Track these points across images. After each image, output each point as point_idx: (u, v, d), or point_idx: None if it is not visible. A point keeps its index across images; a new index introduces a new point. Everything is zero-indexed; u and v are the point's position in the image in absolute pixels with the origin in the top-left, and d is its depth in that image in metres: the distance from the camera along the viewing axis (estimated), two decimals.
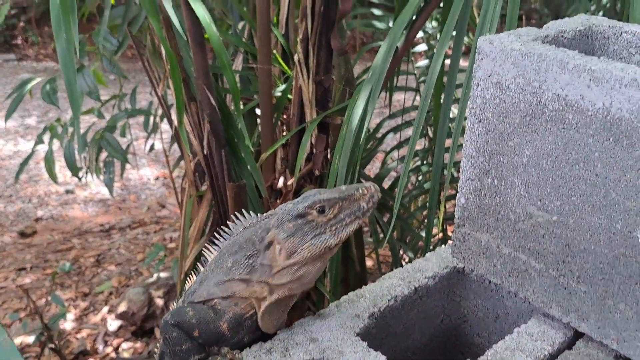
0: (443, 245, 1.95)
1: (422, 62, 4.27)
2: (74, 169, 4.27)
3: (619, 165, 1.34)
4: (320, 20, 3.30)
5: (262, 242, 1.42)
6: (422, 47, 4.25)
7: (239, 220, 1.52)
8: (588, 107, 1.35)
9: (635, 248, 1.36)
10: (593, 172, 1.38)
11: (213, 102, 3.20)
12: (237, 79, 3.78)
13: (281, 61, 3.66)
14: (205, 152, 3.35)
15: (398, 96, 4.46)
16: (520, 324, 1.67)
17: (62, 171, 7.02)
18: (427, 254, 1.90)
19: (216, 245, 1.54)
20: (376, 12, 4.25)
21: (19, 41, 12.21)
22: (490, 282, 1.78)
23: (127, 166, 7.93)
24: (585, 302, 1.49)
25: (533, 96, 1.45)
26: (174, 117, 3.52)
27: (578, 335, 1.59)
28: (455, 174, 4.08)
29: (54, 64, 11.06)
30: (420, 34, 4.18)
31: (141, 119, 4.70)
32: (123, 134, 4.58)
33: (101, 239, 6.40)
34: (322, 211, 1.36)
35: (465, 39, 3.25)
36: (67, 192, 7.27)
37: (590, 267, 1.46)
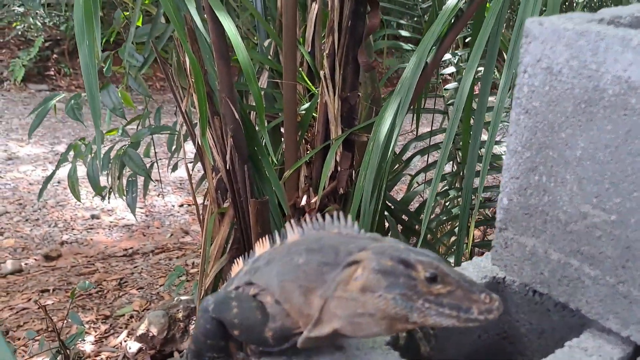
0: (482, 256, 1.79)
1: (452, 85, 4.17)
2: (97, 188, 4.20)
3: None
4: (347, 36, 3.23)
5: (347, 257, 1.20)
6: (451, 69, 4.15)
7: (339, 221, 1.32)
8: None
9: None
10: None
11: (237, 116, 3.12)
12: (262, 96, 3.71)
13: (306, 78, 3.58)
14: (227, 167, 3.26)
15: (426, 120, 4.34)
16: (568, 340, 1.50)
17: (88, 196, 7.05)
18: (463, 263, 1.75)
19: (301, 228, 1.35)
20: (404, 33, 4.18)
21: (51, 72, 12.44)
22: (534, 293, 1.62)
23: (152, 193, 7.89)
24: None
25: (589, 80, 1.32)
26: (198, 134, 3.44)
27: (638, 351, 1.41)
28: (483, 200, 3.92)
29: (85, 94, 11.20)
30: (449, 56, 4.09)
31: (166, 148, 4.67)
32: (147, 154, 4.53)
33: (124, 263, 6.38)
34: (431, 279, 1.11)
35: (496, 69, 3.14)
36: (93, 217, 7.28)
37: None
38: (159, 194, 7.61)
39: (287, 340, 1.28)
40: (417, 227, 3.81)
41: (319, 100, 3.38)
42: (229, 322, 1.25)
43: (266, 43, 3.67)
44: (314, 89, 3.54)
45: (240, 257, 1.48)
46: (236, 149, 3.18)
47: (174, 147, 4.21)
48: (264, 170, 3.31)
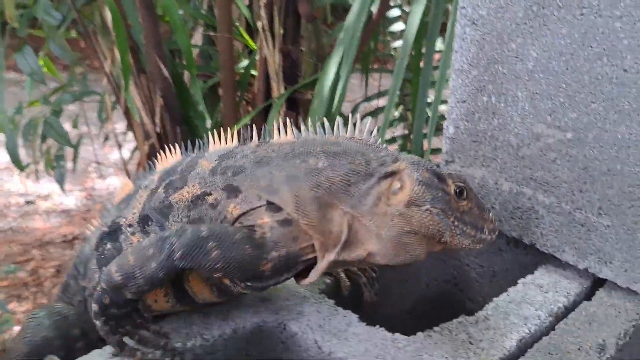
0: None
1: (399, 42, 4.00)
2: (18, 162, 3.88)
3: None
4: None
5: (382, 167, 1.04)
6: (400, 25, 3.97)
7: (354, 127, 1.10)
8: None
9: None
10: (621, 67, 1.09)
11: (165, 73, 2.87)
12: (195, 53, 3.47)
13: (245, 34, 3.35)
14: (158, 130, 3.02)
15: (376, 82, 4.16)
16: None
17: (23, 181, 6.64)
18: None
19: (294, 130, 1.10)
20: None
21: None
22: None
23: (93, 175, 7.51)
24: (609, 240, 1.19)
25: None
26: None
27: (597, 284, 1.28)
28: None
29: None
30: (398, 12, 3.92)
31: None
32: (75, 126, 4.22)
33: (63, 249, 6.02)
34: (459, 193, 1.05)
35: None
36: (28, 202, 6.86)
37: (615, 193, 1.16)
38: (99, 176, 7.25)
39: (289, 269, 1.05)
40: None
41: (258, 55, 3.16)
42: (207, 267, 0.98)
43: None
44: (253, 45, 3.31)
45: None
46: (167, 109, 2.94)
47: (104, 116, 3.92)
48: (199, 132, 3.09)
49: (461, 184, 1.05)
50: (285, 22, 3.11)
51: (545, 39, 1.18)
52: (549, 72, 1.19)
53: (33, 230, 6.61)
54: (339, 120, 1.08)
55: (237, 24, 3.40)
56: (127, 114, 3.21)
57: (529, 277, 1.29)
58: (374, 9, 3.02)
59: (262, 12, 3.02)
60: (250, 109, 3.44)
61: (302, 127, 1.10)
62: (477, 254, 1.50)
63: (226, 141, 1.12)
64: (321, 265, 1.03)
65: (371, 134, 1.10)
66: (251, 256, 0.99)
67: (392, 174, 1.03)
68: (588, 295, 1.26)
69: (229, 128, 1.16)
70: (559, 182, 1.24)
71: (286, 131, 1.08)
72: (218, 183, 1.05)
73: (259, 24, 3.03)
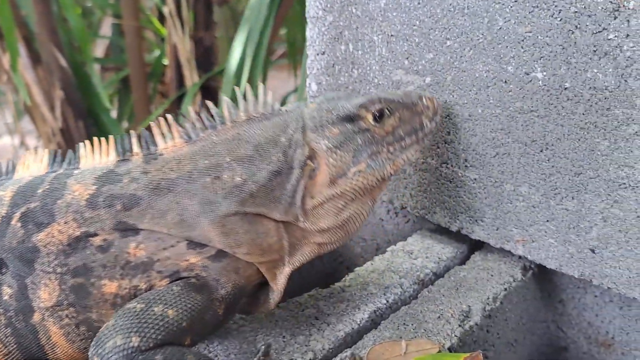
0: None
1: None
2: None
3: None
4: None
5: (298, 151, 0.88)
6: None
7: (240, 101, 0.92)
8: None
9: (536, 96, 0.94)
10: None
11: (63, 63, 2.69)
12: (104, 47, 3.28)
13: (156, 22, 3.18)
14: (60, 125, 2.82)
15: None
16: None
17: None
18: None
19: (187, 125, 0.90)
20: None
21: None
22: None
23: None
24: (478, 195, 1.06)
25: None
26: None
27: (474, 247, 1.15)
28: None
29: None
30: None
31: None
32: None
33: None
34: (379, 118, 0.90)
35: None
36: None
37: (478, 141, 1.03)
38: None
39: (237, 305, 0.88)
40: None
41: (167, 43, 3.00)
42: (175, 331, 0.76)
43: None
44: (165, 31, 3.14)
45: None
46: (68, 102, 2.75)
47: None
48: (107, 127, 2.90)
49: (378, 106, 0.89)
50: (196, 6, 2.95)
51: None
52: (401, 9, 1.06)
53: None
54: (226, 101, 0.90)
55: (149, 13, 3.23)
56: (30, 111, 3.00)
57: (400, 243, 1.16)
58: None
59: None
60: (164, 100, 3.27)
61: (188, 124, 0.89)
62: None
63: (100, 153, 0.90)
64: (279, 286, 0.90)
65: (266, 99, 0.92)
66: (203, 303, 0.81)
67: (309, 157, 0.87)
68: (463, 260, 1.13)
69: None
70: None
71: (172, 133, 0.88)
72: (104, 221, 0.82)
73: (166, 10, 2.87)
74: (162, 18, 3.29)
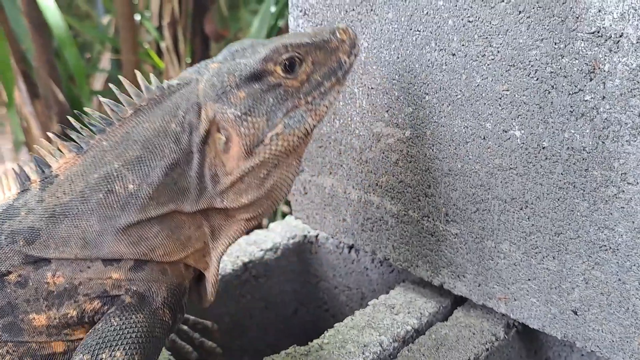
0: None
1: None
2: None
3: (481, 31, 0.91)
4: (190, 1, 2.89)
5: (193, 133, 0.81)
6: None
7: (120, 96, 0.85)
8: None
9: (515, 154, 0.93)
10: (449, 52, 0.96)
11: (61, 97, 2.70)
12: (102, 80, 3.30)
13: (154, 55, 3.20)
14: None
15: None
16: None
17: None
18: (271, 224, 1.42)
19: (74, 136, 0.83)
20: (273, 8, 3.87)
21: None
22: (350, 249, 1.31)
23: None
24: (459, 250, 1.04)
25: None
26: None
27: (458, 302, 1.13)
28: None
29: None
30: None
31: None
32: None
33: None
34: (290, 67, 0.82)
35: None
36: None
37: (459, 196, 1.01)
38: None
39: (180, 306, 0.85)
40: None
41: (164, 78, 3.01)
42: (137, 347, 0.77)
43: (106, 20, 3.27)
44: (162, 64, 3.16)
45: None
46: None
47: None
48: None
49: (285, 55, 0.82)
50: (193, 41, 2.97)
51: (374, 26, 1.04)
52: (381, 62, 1.05)
53: None
54: (105, 101, 0.83)
55: (147, 46, 3.25)
56: (28, 143, 3.01)
57: (382, 297, 1.14)
58: (283, 23, 2.90)
59: (166, 33, 2.88)
60: None
61: (73, 135, 0.83)
62: (343, 276, 1.34)
63: (2, 189, 0.86)
64: (211, 274, 0.86)
65: (149, 84, 0.85)
66: (147, 321, 0.79)
67: (208, 132, 0.81)
68: (446, 315, 1.11)
69: None
70: (403, 186, 1.09)
71: (60, 149, 0.83)
72: (12, 258, 0.80)
73: (163, 45, 2.89)
74: (160, 51, 3.31)
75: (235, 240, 0.88)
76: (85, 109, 0.86)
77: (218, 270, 0.88)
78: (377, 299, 1.13)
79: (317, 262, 1.38)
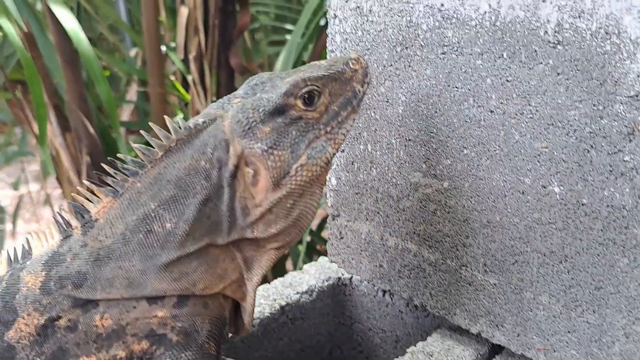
0: None
1: None
2: None
3: (519, 90, 0.94)
4: (216, 35, 2.96)
5: (223, 169, 0.85)
6: None
7: (148, 135, 0.88)
8: (470, 14, 0.97)
9: (554, 209, 0.95)
10: (487, 109, 0.99)
11: (91, 130, 2.76)
12: (129, 111, 3.37)
13: (180, 87, 3.27)
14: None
15: None
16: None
17: None
18: (305, 266, 1.45)
19: (109, 183, 0.87)
20: (290, 27, 3.92)
21: None
22: (384, 293, 1.33)
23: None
24: (498, 300, 1.06)
25: (401, 16, 1.06)
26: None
27: (496, 350, 1.14)
28: None
29: None
30: None
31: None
32: (15, 187, 4.08)
33: None
34: (310, 100, 0.87)
35: None
36: None
37: (497, 247, 1.03)
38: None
39: (223, 331, 0.90)
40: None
41: (190, 109, 3.07)
42: None
43: (133, 52, 3.34)
44: (188, 97, 3.22)
45: None
46: (94, 168, 2.81)
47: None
48: None
49: (305, 89, 0.86)
50: (219, 75, 3.03)
51: (412, 81, 1.08)
52: (419, 116, 1.08)
53: None
54: (136, 147, 0.88)
55: (173, 77, 3.32)
56: (57, 172, 3.07)
57: (420, 344, 1.15)
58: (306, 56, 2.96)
59: (193, 66, 2.94)
60: None
61: (109, 180, 0.88)
62: (377, 319, 1.36)
63: (46, 237, 0.90)
64: (249, 304, 0.91)
65: (177, 125, 0.88)
66: (195, 352, 0.85)
67: (237, 166, 0.85)
68: None
69: None
70: (441, 236, 1.11)
71: (97, 195, 0.88)
72: (62, 302, 0.84)
73: (190, 78, 2.95)
74: (185, 82, 3.38)
75: (268, 269, 0.91)
76: (119, 155, 0.90)
77: (254, 300, 0.92)
78: (415, 346, 1.14)
79: (351, 304, 1.40)
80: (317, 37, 2.92)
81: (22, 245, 0.93)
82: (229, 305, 0.91)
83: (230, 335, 0.97)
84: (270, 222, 0.87)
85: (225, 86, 3.07)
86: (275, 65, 2.69)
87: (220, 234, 0.86)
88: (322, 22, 2.93)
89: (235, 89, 3.00)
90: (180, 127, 0.87)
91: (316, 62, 0.94)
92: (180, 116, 3.32)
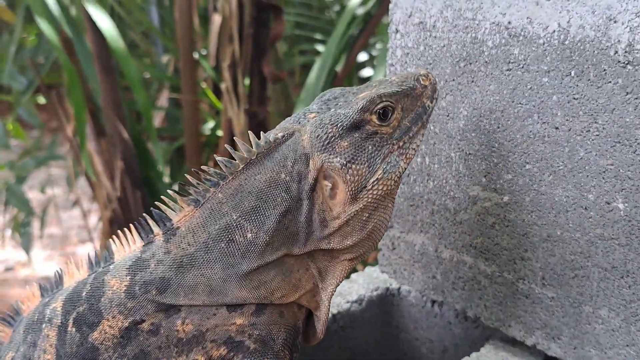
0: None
1: None
2: None
3: (586, 108, 0.96)
4: (250, 44, 2.99)
5: (302, 182, 0.88)
6: (369, 72, 3.94)
7: (233, 153, 0.90)
8: (539, 32, 0.99)
9: (618, 225, 0.97)
10: (552, 125, 1.01)
11: (125, 135, 2.81)
12: (160, 118, 3.42)
13: (211, 95, 3.31)
14: (119, 194, 2.92)
15: None
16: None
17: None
18: (352, 275, 1.47)
19: (191, 191, 0.90)
20: (321, 48, 3.97)
21: None
22: (433, 303, 1.35)
23: (74, 240, 7.42)
24: (555, 313, 1.08)
25: (466, 32, 1.09)
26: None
27: None
28: None
29: None
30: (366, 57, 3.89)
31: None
32: (42, 191, 4.13)
33: None
34: (384, 116, 0.89)
35: None
36: (7, 269, 6.73)
37: (557, 261, 1.05)
38: (80, 241, 7.15)
39: (296, 340, 0.93)
40: None
41: (222, 116, 3.11)
42: None
43: (165, 59, 3.39)
44: (220, 105, 3.26)
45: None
46: (127, 173, 2.86)
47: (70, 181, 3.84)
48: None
49: (381, 105, 0.88)
50: (251, 83, 3.07)
51: (475, 97, 1.10)
52: (480, 130, 1.11)
53: (10, 298, 6.44)
54: (219, 159, 0.90)
55: (205, 85, 3.37)
56: (90, 180, 3.12)
57: (474, 355, 1.17)
58: (339, 68, 2.99)
59: (226, 74, 2.98)
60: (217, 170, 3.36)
61: (191, 190, 0.90)
62: (425, 329, 1.38)
63: (128, 242, 0.93)
64: (322, 313, 0.94)
65: (258, 139, 0.90)
66: (271, 358, 0.88)
67: (316, 180, 0.88)
68: None
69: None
70: (499, 249, 1.13)
71: (179, 204, 0.91)
72: (146, 307, 0.88)
73: (223, 86, 2.99)
74: (215, 89, 3.42)
75: (342, 280, 0.94)
76: (203, 167, 0.93)
77: (329, 309, 0.94)
78: (469, 356, 1.16)
79: (398, 314, 1.42)
80: (350, 48, 2.96)
81: (103, 249, 0.96)
82: (303, 315, 0.94)
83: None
84: (346, 234, 0.89)
85: (257, 95, 3.11)
86: (306, 75, 2.72)
87: (297, 244, 0.89)
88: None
89: (267, 98, 3.02)
90: (259, 141, 0.90)
91: (386, 78, 0.97)
92: (210, 123, 3.37)
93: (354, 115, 0.88)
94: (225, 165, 0.90)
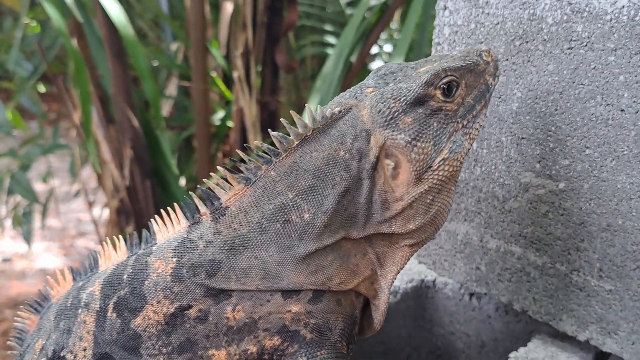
0: None
1: None
2: None
3: None
4: (263, 33, 2.93)
5: (363, 160, 0.81)
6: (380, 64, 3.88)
7: (289, 128, 0.84)
8: (606, 7, 0.94)
9: None
10: (617, 107, 0.95)
11: (135, 123, 2.74)
12: (169, 107, 3.35)
13: (222, 85, 3.24)
14: (128, 183, 2.85)
15: None
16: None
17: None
18: None
19: (242, 168, 0.84)
20: (333, 40, 3.91)
21: None
22: (471, 296, 1.29)
23: (73, 233, 7.35)
24: (612, 307, 1.02)
25: (524, 8, 1.03)
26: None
27: (600, 358, 1.10)
28: None
29: None
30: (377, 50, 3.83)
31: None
32: (45, 180, 4.05)
33: None
34: (449, 91, 0.83)
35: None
36: (4, 260, 6.65)
37: (617, 252, 1.00)
38: (79, 234, 7.09)
39: (353, 331, 0.87)
40: None
41: (234, 106, 3.05)
42: None
43: (174, 47, 3.32)
44: (230, 94, 3.20)
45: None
46: (137, 162, 2.79)
47: (76, 169, 3.76)
48: (171, 187, 2.92)
49: (445, 79, 0.82)
50: (263, 72, 3.01)
51: (530, 77, 1.04)
52: (535, 113, 1.05)
53: (7, 289, 6.38)
54: (273, 134, 0.84)
55: (215, 75, 3.30)
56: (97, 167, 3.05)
57: (522, 350, 1.11)
58: (354, 58, 2.93)
59: (239, 63, 2.91)
60: (226, 161, 3.30)
61: (242, 167, 0.84)
62: (461, 323, 1.32)
63: (171, 222, 0.86)
64: (382, 302, 0.87)
65: (314, 114, 0.84)
66: (330, 351, 0.81)
67: (377, 158, 0.81)
68: None
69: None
70: (552, 239, 1.07)
71: (229, 182, 0.84)
72: (194, 291, 0.81)
73: (235, 75, 2.92)
74: (226, 79, 3.35)
75: (402, 267, 0.87)
76: (255, 142, 0.86)
77: (388, 299, 0.88)
78: (517, 351, 1.10)
79: (432, 307, 1.36)
80: (365, 38, 2.90)
81: (143, 229, 0.89)
82: (360, 304, 0.88)
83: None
84: (409, 218, 0.83)
85: (269, 84, 3.05)
86: (322, 64, 2.65)
87: (356, 227, 0.83)
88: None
89: (279, 88, 2.96)
90: (316, 116, 0.83)
91: (447, 53, 0.91)
92: (221, 113, 3.30)
93: (418, 89, 0.82)
94: (280, 141, 0.83)
